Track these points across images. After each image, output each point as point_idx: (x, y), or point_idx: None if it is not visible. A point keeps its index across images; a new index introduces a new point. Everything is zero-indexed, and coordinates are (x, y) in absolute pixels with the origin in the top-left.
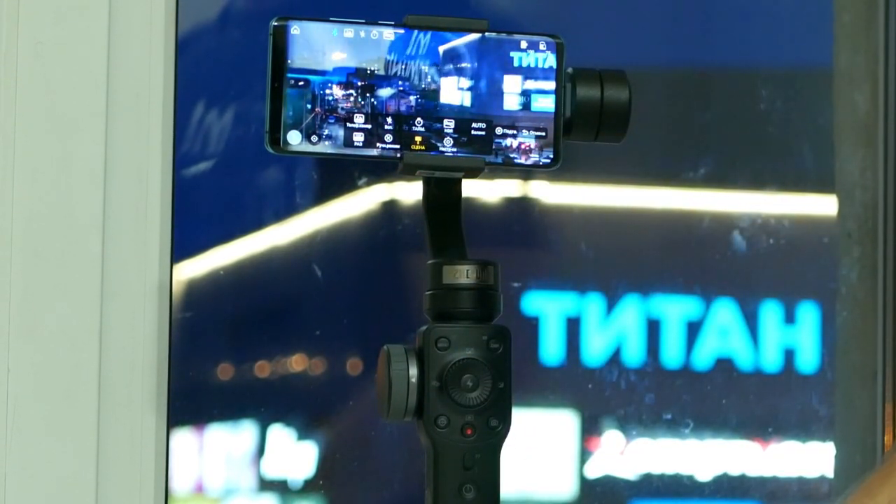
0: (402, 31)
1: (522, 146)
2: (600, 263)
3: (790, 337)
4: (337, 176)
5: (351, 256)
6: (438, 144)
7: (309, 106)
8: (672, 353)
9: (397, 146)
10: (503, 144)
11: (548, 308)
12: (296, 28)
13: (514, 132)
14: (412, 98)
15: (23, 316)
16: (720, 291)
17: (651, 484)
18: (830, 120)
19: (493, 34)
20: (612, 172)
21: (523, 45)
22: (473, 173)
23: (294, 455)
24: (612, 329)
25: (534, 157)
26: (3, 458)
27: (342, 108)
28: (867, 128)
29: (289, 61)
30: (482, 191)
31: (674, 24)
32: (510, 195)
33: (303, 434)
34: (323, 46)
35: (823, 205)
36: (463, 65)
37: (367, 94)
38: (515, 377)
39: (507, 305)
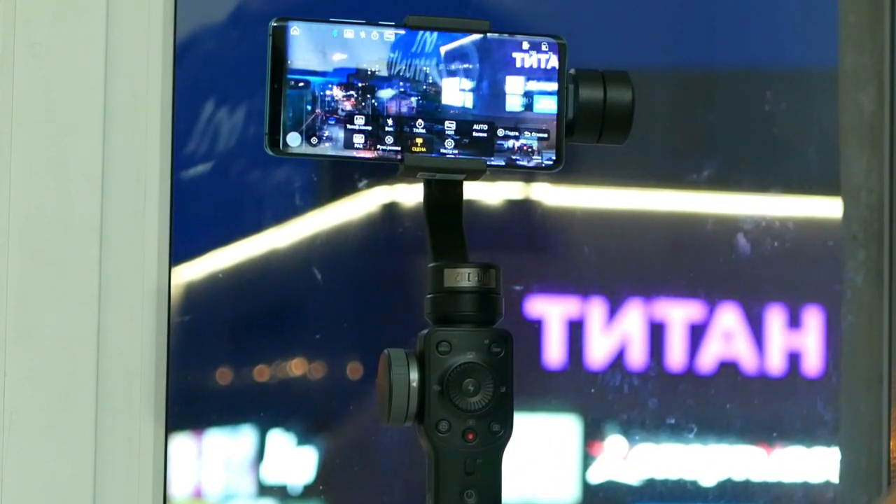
0: (403, 31)
1: (524, 148)
2: (603, 266)
3: (795, 341)
4: (337, 178)
5: (351, 259)
6: (440, 146)
7: (309, 107)
8: (675, 357)
9: (398, 148)
10: (505, 146)
11: (550, 311)
12: (295, 29)
13: (516, 134)
14: (413, 99)
15: (20, 320)
16: (724, 295)
17: (654, 489)
18: (835, 121)
19: (495, 35)
20: (615, 174)
21: (525, 45)
22: (475, 175)
23: (294, 460)
24: (614, 333)
25: (536, 159)
26: (0, 464)
27: (342, 110)
28: (873, 129)
29: (288, 62)
30: (484, 193)
31: (677, 25)
32: (512, 197)
33: (302, 439)
34: (323, 47)
35: (828, 207)
36: (465, 66)
37: (368, 96)
38: (517, 381)
39: (508, 309)
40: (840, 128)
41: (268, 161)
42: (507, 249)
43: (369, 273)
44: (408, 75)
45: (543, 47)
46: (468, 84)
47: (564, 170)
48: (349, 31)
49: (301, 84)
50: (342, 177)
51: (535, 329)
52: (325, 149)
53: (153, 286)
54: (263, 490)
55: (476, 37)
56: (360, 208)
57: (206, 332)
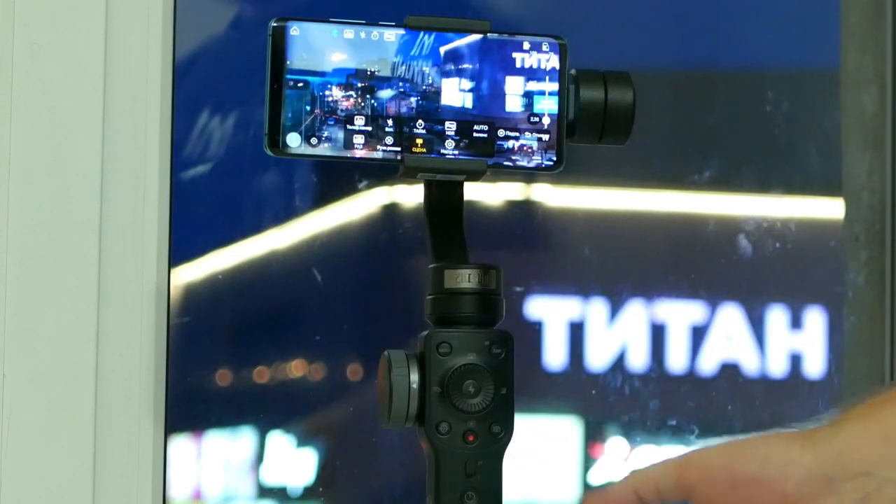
0: (402, 31)
1: (525, 148)
2: (604, 267)
3: (796, 342)
4: (337, 179)
5: (351, 260)
6: (440, 147)
7: (308, 108)
8: (677, 359)
9: (398, 148)
10: (505, 147)
11: (551, 313)
12: (295, 29)
13: (517, 134)
14: (413, 100)
15: (19, 321)
16: (725, 296)
17: None
18: (837, 122)
19: (496, 35)
20: (616, 175)
21: (526, 46)
22: (475, 176)
23: (293, 462)
24: (615, 334)
25: (536, 160)
26: (0, 465)
27: (342, 110)
28: (874, 130)
29: (288, 62)
30: (484, 194)
31: (678, 26)
32: (512, 198)
33: (302, 440)
34: (322, 47)
35: (830, 208)
36: (464, 66)
37: (368, 96)
38: (518, 383)
39: (509, 310)
40: (842, 128)
41: (267, 162)
42: (508, 250)
43: (369, 274)
44: (408, 75)
45: (544, 47)
46: (468, 84)
47: (565, 170)
48: (349, 32)
49: (300, 84)
50: (342, 177)
51: (535, 330)
52: (325, 149)
53: (152, 287)
54: (263, 492)
55: (476, 37)
56: (360, 209)
57: (205, 334)
